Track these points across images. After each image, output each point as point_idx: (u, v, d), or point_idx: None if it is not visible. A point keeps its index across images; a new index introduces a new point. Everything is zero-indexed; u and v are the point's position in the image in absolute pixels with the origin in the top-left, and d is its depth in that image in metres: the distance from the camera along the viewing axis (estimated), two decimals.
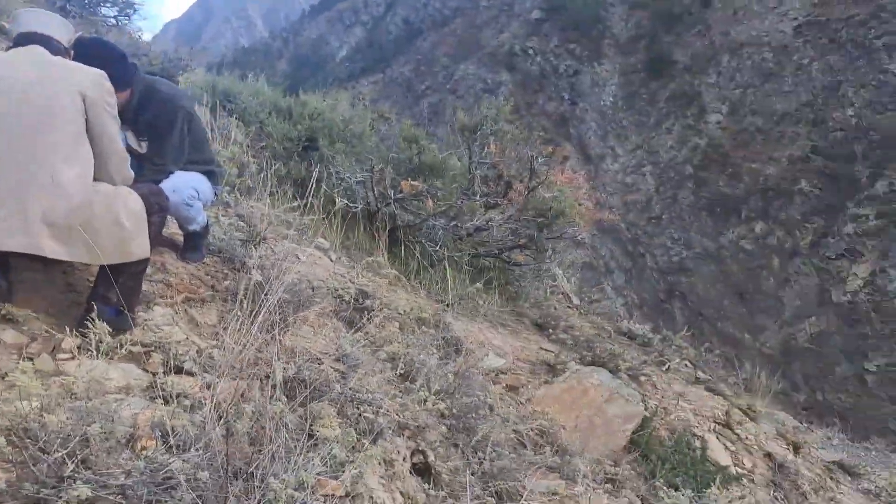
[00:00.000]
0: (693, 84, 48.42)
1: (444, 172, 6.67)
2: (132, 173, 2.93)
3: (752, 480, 5.02)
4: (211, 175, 3.87)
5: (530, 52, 55.66)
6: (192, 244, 3.91)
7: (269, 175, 6.35)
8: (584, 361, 5.62)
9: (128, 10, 13.47)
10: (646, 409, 4.91)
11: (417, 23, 79.25)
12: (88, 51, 3.15)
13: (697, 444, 5.06)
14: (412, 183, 6.19)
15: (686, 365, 7.56)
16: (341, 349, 3.76)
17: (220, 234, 4.28)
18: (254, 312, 3.48)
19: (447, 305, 6.06)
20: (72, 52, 2.88)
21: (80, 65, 2.72)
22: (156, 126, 3.47)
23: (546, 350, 6.02)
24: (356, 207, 6.39)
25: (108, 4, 13.14)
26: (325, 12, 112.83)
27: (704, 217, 42.68)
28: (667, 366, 6.86)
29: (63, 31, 2.85)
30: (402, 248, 6.53)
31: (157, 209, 2.94)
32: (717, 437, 5.38)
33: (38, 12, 2.86)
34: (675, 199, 44.54)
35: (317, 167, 6.64)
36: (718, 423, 5.62)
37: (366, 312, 5.05)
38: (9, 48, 2.75)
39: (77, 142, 2.56)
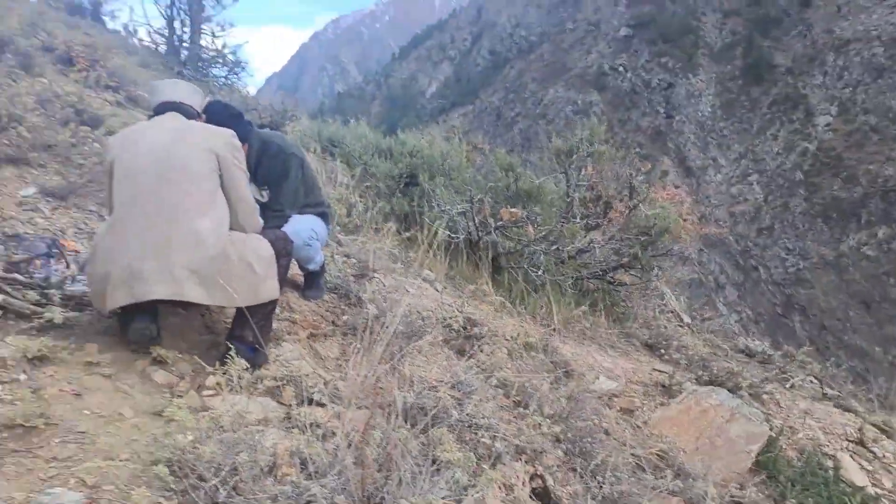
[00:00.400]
0: (797, 87, 46.31)
1: (541, 198, 6.73)
2: (261, 221, 3.19)
3: (894, 502, 4.70)
4: (324, 216, 4.12)
5: (620, 69, 55.04)
6: (313, 283, 4.16)
7: (374, 213, 6.63)
8: (700, 381, 5.47)
9: (236, 69, 14.45)
10: (770, 429, 4.72)
11: (504, 52, 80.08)
12: (215, 113, 3.49)
13: (829, 463, 4.80)
14: (511, 210, 6.29)
15: (811, 381, 7.17)
16: (455, 376, 3.86)
17: (335, 272, 4.53)
18: (372, 344, 3.69)
19: (553, 329, 6.07)
20: (203, 116, 3.22)
21: (212, 126, 3.05)
22: (273, 175, 3.77)
23: (659, 371, 5.90)
24: (458, 238, 6.55)
25: (219, 65, 14.14)
26: (413, 52, 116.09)
27: (820, 224, 40.38)
28: (790, 383, 6.55)
29: (195, 97, 3.20)
30: (506, 275, 6.61)
31: (284, 253, 3.18)
32: (851, 457, 5.08)
33: (173, 82, 3.23)
34: (786, 207, 42.43)
35: (419, 202, 6.88)
36: (851, 442, 5.30)
37: (474, 340, 5.15)
38: (150, 117, 3.10)
39: (213, 196, 2.84)
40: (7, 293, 2.92)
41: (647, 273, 7.25)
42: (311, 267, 4.07)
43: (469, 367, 4.53)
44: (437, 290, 6.04)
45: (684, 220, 7.88)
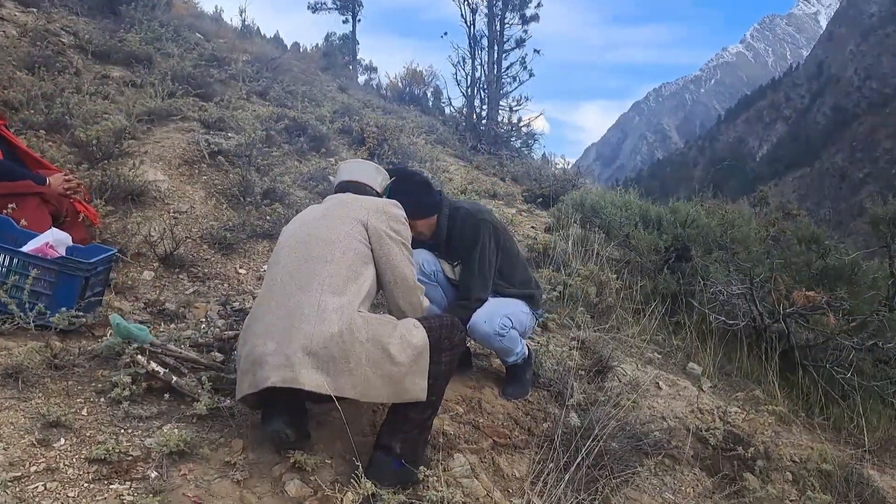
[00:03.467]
0: None
1: (856, 278, 5.20)
2: (424, 302, 2.72)
3: None
4: (529, 299, 3.49)
5: None
6: (513, 378, 3.53)
7: (634, 292, 5.76)
8: None
9: (529, 141, 14.62)
10: None
11: (850, 107, 71.18)
12: (398, 181, 3.15)
13: None
14: (808, 294, 4.93)
15: None
16: None
17: (552, 365, 3.82)
18: (570, 463, 2.92)
19: (866, 452, 4.54)
20: (383, 195, 2.91)
21: (369, 197, 2.71)
22: (463, 246, 3.31)
23: None
24: (737, 325, 5.34)
25: (513, 139, 14.45)
26: (742, 114, 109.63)
27: None
28: None
29: (375, 176, 2.93)
30: (800, 374, 5.18)
31: (446, 346, 2.62)
32: None
33: (356, 162, 3.01)
34: None
35: (689, 281, 5.84)
36: None
37: (740, 461, 4.02)
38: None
39: (352, 271, 2.45)
40: (181, 374, 2.83)
41: None
42: (511, 360, 3.45)
43: (728, 497, 3.51)
44: (701, 390, 4.92)
45: None
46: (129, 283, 3.93)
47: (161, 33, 9.89)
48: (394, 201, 2.73)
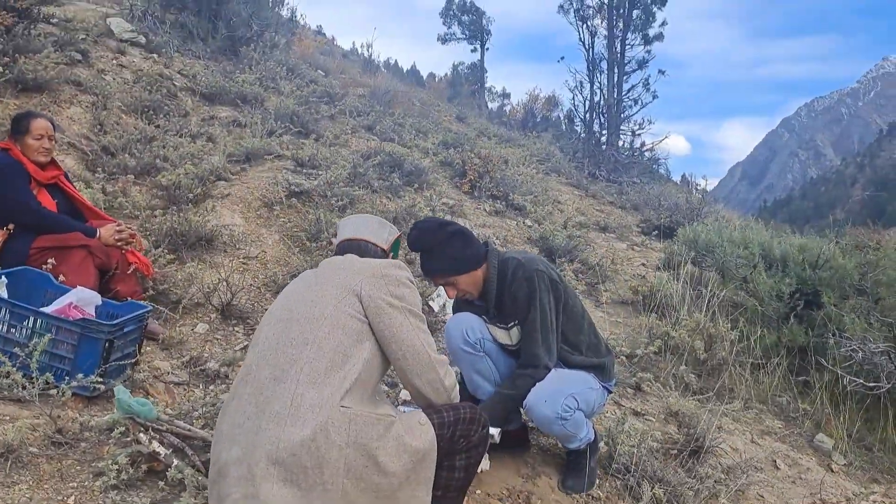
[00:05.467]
0: None
1: None
2: (449, 379, 2.18)
3: None
4: (599, 369, 2.95)
5: None
6: (575, 466, 2.97)
7: (752, 344, 4.99)
8: None
9: (653, 166, 13.74)
10: None
11: None
12: (418, 239, 2.75)
13: None
14: None
15: None
16: None
17: (629, 447, 3.23)
18: None
19: None
20: (390, 253, 2.46)
21: (367, 260, 2.23)
22: (516, 304, 2.82)
23: None
24: (880, 388, 4.44)
25: (635, 164, 13.63)
26: None
27: None
28: None
29: (379, 231, 2.43)
30: None
31: (462, 446, 2.15)
32: None
33: (359, 218, 2.52)
34: None
35: (821, 332, 4.97)
36: None
37: None
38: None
39: (338, 354, 1.98)
40: (185, 455, 2.57)
41: None
42: (572, 446, 2.89)
43: None
44: (831, 470, 4.09)
45: None
46: (180, 337, 3.77)
47: (276, 72, 10.17)
48: (396, 262, 2.24)
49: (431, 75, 33.87)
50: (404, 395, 3.52)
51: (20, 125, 3.71)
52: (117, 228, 3.69)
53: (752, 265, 5.41)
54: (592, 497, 2.95)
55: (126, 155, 5.70)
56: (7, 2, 5.98)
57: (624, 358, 4.58)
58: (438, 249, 2.72)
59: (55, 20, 7.68)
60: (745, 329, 5.09)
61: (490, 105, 29.13)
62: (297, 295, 2.12)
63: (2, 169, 3.56)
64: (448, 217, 6.47)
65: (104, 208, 4.53)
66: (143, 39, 8.96)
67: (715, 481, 3.27)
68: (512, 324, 2.90)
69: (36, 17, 6.90)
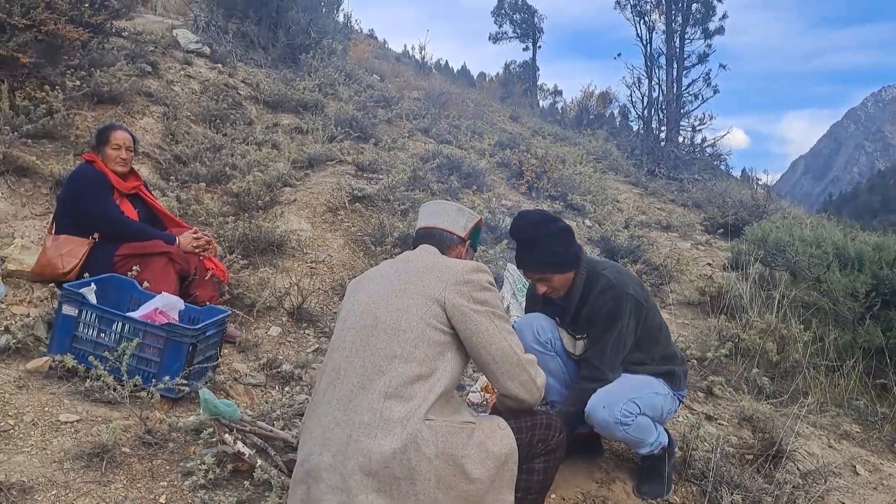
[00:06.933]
0: None
1: None
2: (540, 378, 2.17)
3: None
4: (668, 376, 2.91)
5: None
6: (649, 472, 2.94)
7: (826, 345, 4.84)
8: None
9: (714, 162, 13.43)
10: None
11: None
12: (524, 230, 2.75)
13: None
14: None
15: None
16: None
17: (703, 452, 3.17)
18: None
19: None
20: (468, 241, 2.45)
21: (449, 262, 2.21)
22: (597, 320, 2.78)
23: None
24: None
25: (697, 161, 13.34)
26: None
27: None
28: None
29: (457, 218, 2.43)
30: None
31: (540, 450, 2.17)
32: None
33: (436, 205, 2.51)
34: None
35: None
36: None
37: None
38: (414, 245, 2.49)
39: (424, 367, 2.01)
40: (268, 455, 2.65)
41: None
42: (643, 451, 2.85)
43: None
44: None
45: None
46: (256, 340, 3.89)
47: (334, 79, 10.34)
48: (477, 264, 2.21)
49: (482, 75, 33.85)
50: (472, 397, 3.55)
51: (102, 137, 3.88)
52: (195, 235, 3.82)
53: (825, 264, 5.24)
54: (668, 503, 2.91)
55: (197, 163, 5.90)
56: (82, 18, 6.23)
57: (694, 361, 4.50)
58: (543, 243, 2.70)
59: (126, 33, 7.98)
60: (819, 330, 4.94)
61: (541, 103, 28.97)
62: (382, 300, 2.11)
63: (86, 181, 3.73)
64: (508, 220, 6.47)
65: (179, 215, 4.69)
66: (207, 50, 9.24)
67: (794, 487, 3.19)
68: (581, 336, 2.88)
69: (109, 32, 7.18)
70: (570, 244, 2.80)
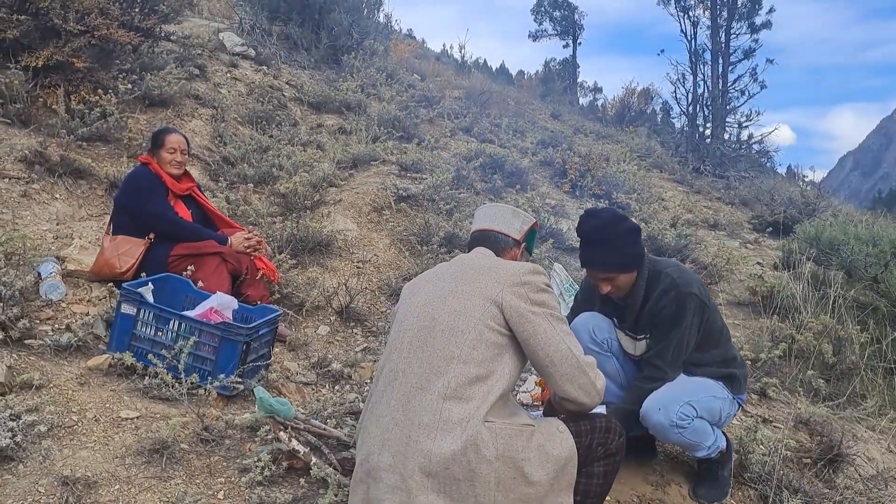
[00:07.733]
0: None
1: None
2: (600, 381, 2.13)
3: None
4: (728, 379, 2.84)
5: None
6: (707, 475, 2.88)
7: (885, 347, 4.69)
8: None
9: (762, 159, 13.14)
10: None
11: None
12: (594, 229, 2.71)
13: None
14: None
15: None
16: None
17: (760, 455, 3.10)
18: None
19: None
20: (523, 243, 2.44)
21: (505, 264, 2.21)
22: (659, 320, 2.73)
23: None
24: None
25: (743, 157, 13.06)
26: None
27: None
28: None
29: (512, 221, 2.43)
30: None
31: (600, 454, 2.15)
32: None
33: (491, 207, 2.52)
34: None
35: None
36: None
37: None
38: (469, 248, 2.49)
39: (483, 369, 2.00)
40: (322, 453, 2.67)
41: None
42: (699, 454, 2.79)
43: None
44: None
45: None
46: (305, 339, 3.93)
47: (376, 79, 10.39)
48: (534, 266, 2.19)
49: (521, 73, 33.69)
50: (521, 397, 3.52)
51: (157, 140, 3.97)
52: (246, 236, 3.88)
53: (882, 263, 5.07)
54: None
55: (245, 164, 5.99)
56: (133, 22, 6.38)
57: (747, 362, 4.41)
58: (613, 243, 2.67)
59: (174, 37, 8.15)
60: (876, 332, 4.79)
61: (581, 100, 28.68)
62: (439, 302, 2.11)
63: (142, 183, 3.82)
64: (552, 219, 6.42)
65: (229, 216, 4.77)
66: (252, 52, 9.38)
67: (856, 493, 3.10)
68: (643, 336, 2.84)
69: (158, 36, 7.34)
70: (637, 244, 2.75)
